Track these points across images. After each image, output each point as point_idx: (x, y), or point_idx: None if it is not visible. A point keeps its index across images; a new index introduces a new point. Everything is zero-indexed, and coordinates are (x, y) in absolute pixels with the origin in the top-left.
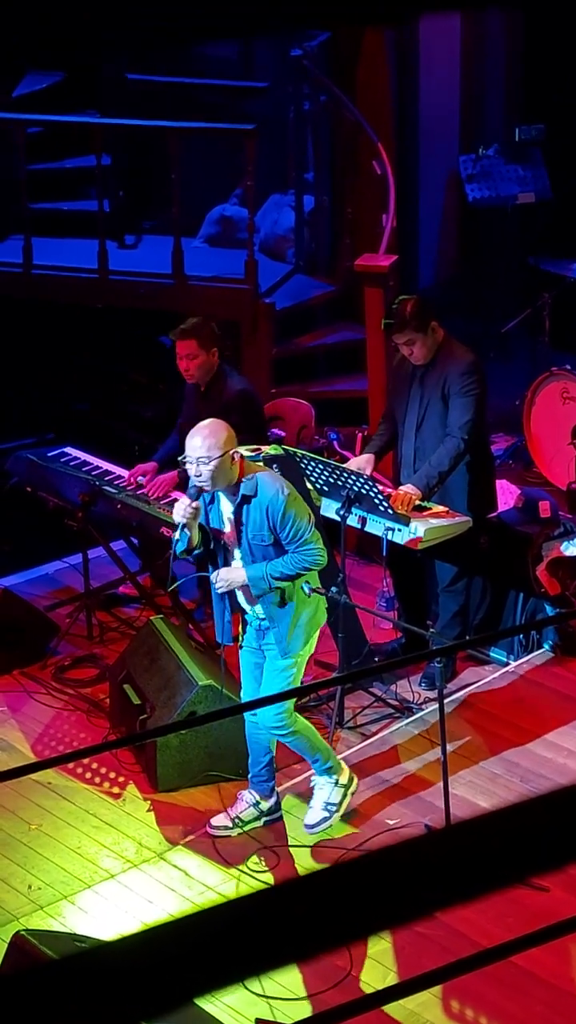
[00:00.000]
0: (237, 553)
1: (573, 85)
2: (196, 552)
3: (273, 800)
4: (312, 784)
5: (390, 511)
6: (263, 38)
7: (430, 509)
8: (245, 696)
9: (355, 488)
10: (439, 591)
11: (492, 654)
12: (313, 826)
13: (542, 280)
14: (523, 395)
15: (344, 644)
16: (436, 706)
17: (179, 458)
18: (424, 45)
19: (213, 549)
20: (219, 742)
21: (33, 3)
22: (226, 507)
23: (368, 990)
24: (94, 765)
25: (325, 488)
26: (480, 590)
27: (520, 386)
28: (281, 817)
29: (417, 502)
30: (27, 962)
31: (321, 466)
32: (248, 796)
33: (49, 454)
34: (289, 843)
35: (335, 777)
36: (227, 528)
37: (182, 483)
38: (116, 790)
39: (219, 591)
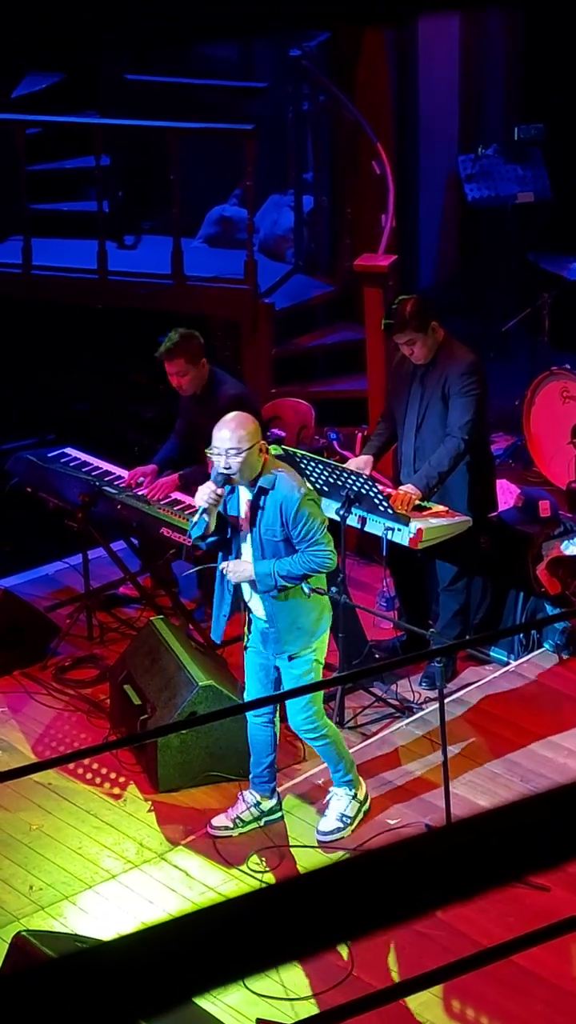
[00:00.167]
0: (247, 547)
1: (573, 85)
2: (210, 539)
3: (274, 800)
4: (329, 794)
5: (390, 511)
6: (263, 38)
7: (430, 509)
8: (248, 697)
9: (355, 488)
10: (440, 591)
11: (492, 654)
12: (327, 834)
13: (542, 280)
14: (523, 395)
15: (344, 644)
16: (436, 706)
17: (207, 449)
18: (424, 45)
19: (228, 538)
20: (220, 742)
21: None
22: (244, 496)
23: (369, 989)
24: (95, 766)
25: (325, 488)
26: (480, 590)
27: (520, 386)
28: (282, 817)
29: (417, 502)
30: (28, 962)
31: (321, 466)
32: (248, 797)
33: (49, 455)
34: (290, 843)
35: (353, 791)
36: (242, 514)
37: (183, 486)
38: (117, 791)
39: (229, 581)
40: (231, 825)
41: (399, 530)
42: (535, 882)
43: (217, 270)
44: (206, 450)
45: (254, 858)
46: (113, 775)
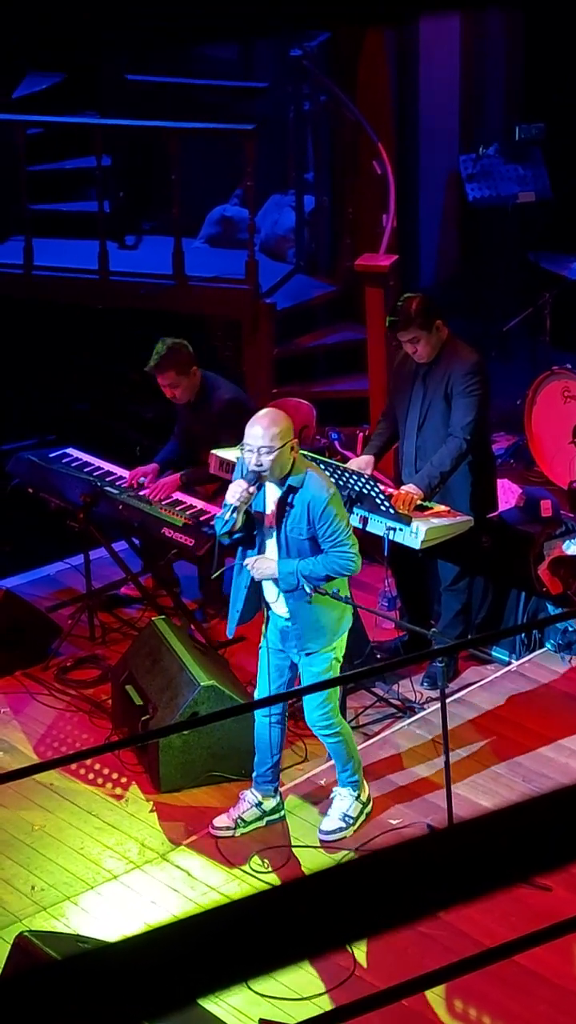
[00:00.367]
0: (271, 544)
1: (573, 84)
2: (236, 536)
3: (276, 800)
4: (333, 794)
5: (392, 511)
6: (263, 38)
7: (432, 509)
8: (259, 695)
9: (356, 488)
10: (441, 590)
11: (494, 653)
12: (329, 833)
13: (542, 279)
14: (524, 394)
15: (346, 644)
16: (438, 706)
17: (238, 446)
18: (424, 45)
19: (254, 534)
20: (222, 742)
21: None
22: (271, 494)
23: (372, 990)
24: (97, 766)
25: None
26: (482, 589)
27: (521, 385)
28: (284, 817)
29: (419, 502)
30: (30, 963)
31: (322, 466)
32: (250, 796)
33: (50, 455)
34: (292, 844)
35: (357, 792)
36: (269, 511)
37: (184, 486)
38: (119, 791)
39: (245, 576)
40: (233, 825)
41: (401, 530)
42: (538, 882)
43: (218, 270)
44: (238, 446)
45: (256, 858)
46: (115, 775)
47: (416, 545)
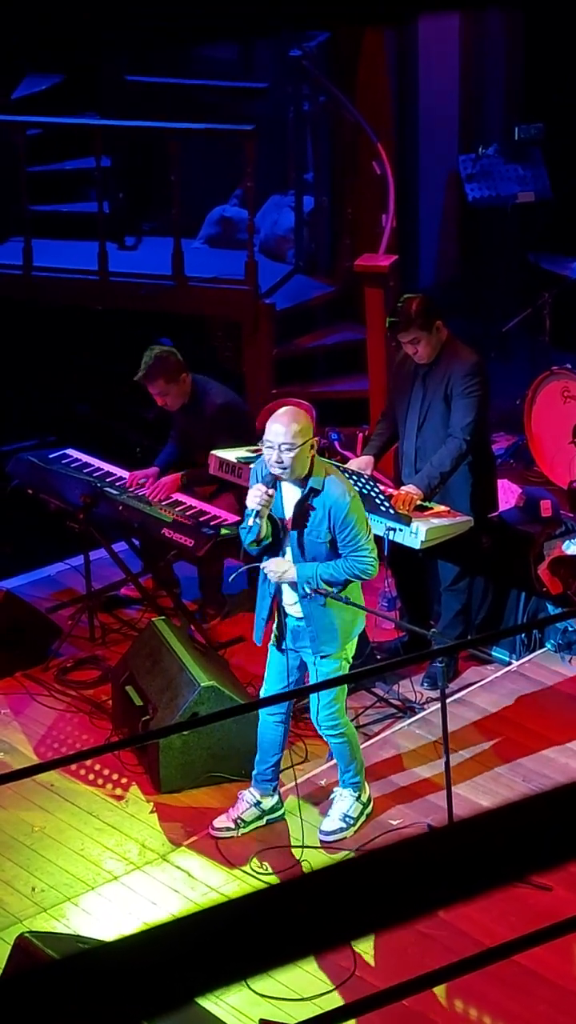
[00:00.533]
0: (288, 547)
1: (573, 85)
2: (264, 543)
3: (275, 799)
4: (333, 794)
5: (391, 511)
6: (263, 39)
7: (431, 509)
8: (265, 694)
9: (356, 488)
10: (441, 590)
11: (494, 653)
12: (329, 834)
13: (542, 279)
14: (524, 394)
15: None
16: (438, 706)
17: (259, 442)
18: (423, 45)
19: (281, 539)
20: (222, 743)
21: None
22: (289, 497)
23: (371, 990)
24: (97, 767)
25: None
26: (482, 589)
27: (521, 385)
28: (283, 816)
29: (419, 502)
30: (31, 964)
31: None
32: (249, 796)
33: (50, 456)
34: (292, 844)
35: (358, 793)
36: (287, 515)
37: (184, 487)
38: (119, 792)
39: (270, 580)
40: (232, 826)
41: (401, 530)
42: (537, 882)
43: (218, 271)
44: (259, 442)
45: (256, 859)
46: (115, 776)
47: (416, 545)
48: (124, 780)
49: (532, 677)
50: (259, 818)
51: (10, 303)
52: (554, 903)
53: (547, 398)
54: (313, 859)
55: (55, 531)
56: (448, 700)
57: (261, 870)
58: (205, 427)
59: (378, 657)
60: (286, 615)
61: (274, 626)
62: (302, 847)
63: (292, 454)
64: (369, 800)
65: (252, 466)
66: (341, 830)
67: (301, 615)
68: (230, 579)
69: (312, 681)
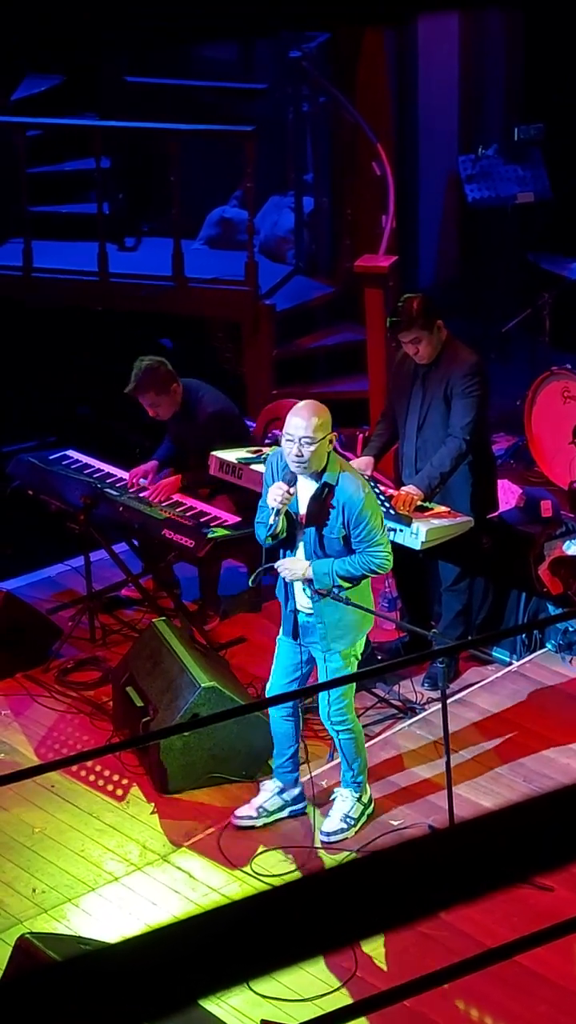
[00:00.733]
0: (301, 542)
1: (573, 85)
2: (280, 537)
3: (297, 790)
4: (334, 795)
5: (392, 512)
6: (262, 39)
7: (432, 509)
8: (271, 690)
9: None
10: (442, 591)
11: (495, 654)
12: (330, 835)
13: (542, 280)
14: (524, 395)
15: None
16: (439, 706)
17: (280, 433)
18: (423, 45)
19: (295, 535)
20: (222, 744)
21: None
22: (303, 492)
23: (373, 990)
24: (97, 768)
25: None
26: (482, 590)
27: (521, 386)
28: (305, 808)
29: (419, 502)
30: (32, 965)
31: None
32: (271, 785)
33: (50, 457)
34: (293, 845)
35: (359, 794)
36: (302, 511)
37: (184, 488)
38: (120, 793)
39: (286, 578)
40: (255, 815)
41: (401, 531)
42: (539, 883)
43: (218, 272)
44: (279, 434)
45: (257, 859)
46: (116, 777)
47: (416, 546)
48: (125, 781)
49: (533, 677)
50: (282, 808)
51: (10, 303)
52: (555, 904)
53: (547, 398)
54: (314, 860)
55: (55, 532)
56: (449, 700)
57: (262, 871)
58: (198, 435)
59: (379, 658)
60: (298, 611)
61: (283, 621)
62: (303, 848)
63: (312, 448)
64: (370, 801)
65: (267, 456)
66: (342, 831)
67: (312, 611)
68: (250, 581)
69: (321, 676)
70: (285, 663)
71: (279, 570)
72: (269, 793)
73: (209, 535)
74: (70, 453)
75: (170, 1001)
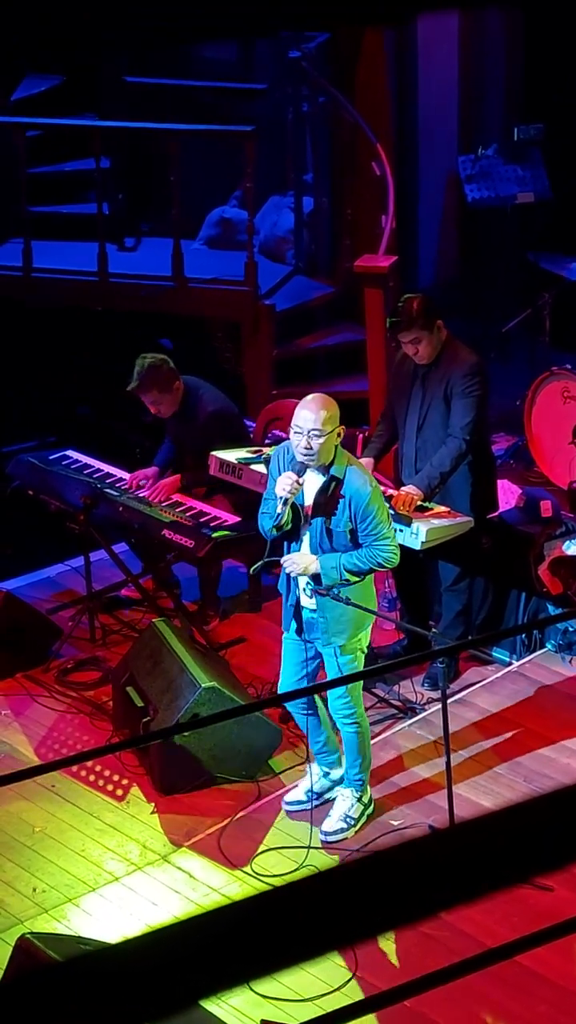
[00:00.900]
0: (306, 535)
1: (572, 85)
2: (284, 529)
3: (342, 770)
4: (334, 795)
5: (392, 512)
6: (262, 39)
7: (432, 509)
8: (282, 687)
9: None
10: (442, 591)
11: (495, 654)
12: (330, 834)
13: (542, 280)
14: (524, 395)
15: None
16: (439, 706)
17: (280, 433)
18: (423, 45)
19: (297, 526)
20: (223, 744)
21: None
22: (309, 484)
23: (373, 990)
24: (98, 768)
25: None
26: (482, 590)
27: (520, 386)
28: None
29: (419, 503)
30: (32, 965)
31: None
32: (317, 768)
33: (50, 457)
34: (293, 845)
35: (360, 793)
36: (307, 503)
37: (184, 488)
38: (120, 792)
39: (289, 573)
40: (304, 798)
41: (401, 531)
42: (539, 882)
43: (217, 272)
44: (290, 426)
45: (258, 859)
46: (116, 777)
47: (416, 546)
48: (125, 781)
49: (533, 677)
50: (330, 789)
51: (10, 304)
52: (555, 904)
53: (547, 398)
54: (314, 860)
55: (55, 532)
56: (449, 701)
57: (262, 871)
58: (197, 434)
59: (379, 662)
60: (302, 607)
61: (291, 617)
62: (303, 848)
63: (320, 440)
64: (370, 801)
65: (272, 451)
66: (342, 830)
67: (314, 606)
68: (252, 570)
69: (328, 671)
70: (292, 660)
71: (284, 564)
72: (317, 776)
73: (209, 535)
74: (70, 453)
75: (170, 1001)
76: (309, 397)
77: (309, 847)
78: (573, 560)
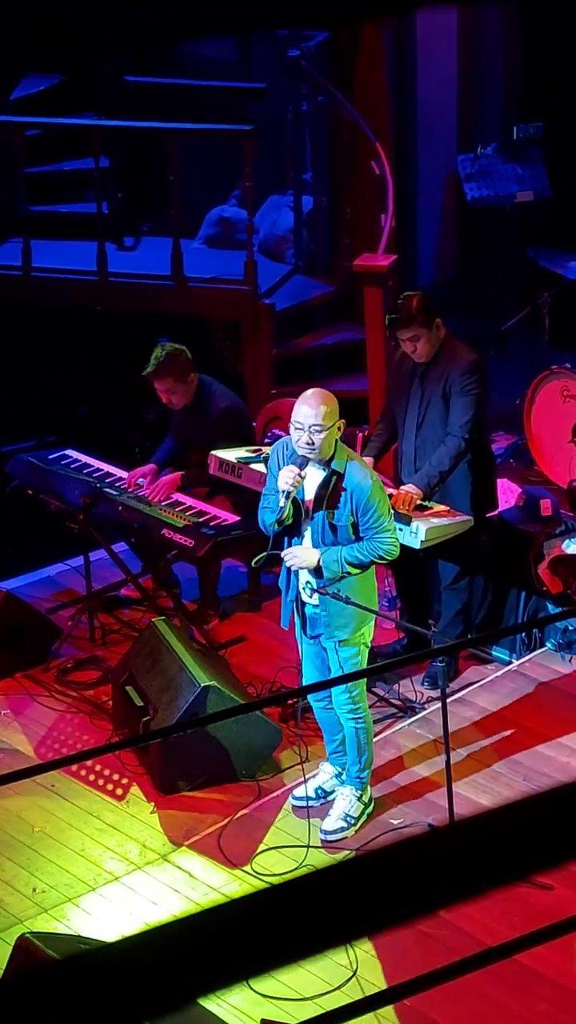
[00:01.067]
0: (307, 530)
1: (572, 83)
2: (286, 524)
3: None
4: (334, 794)
5: (392, 511)
6: (261, 39)
7: (431, 508)
8: (306, 682)
9: None
10: (441, 590)
11: (494, 653)
12: (330, 833)
13: (541, 278)
14: (523, 394)
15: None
16: (439, 705)
17: (280, 432)
18: (421, 43)
19: (298, 521)
20: (223, 743)
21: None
22: (310, 479)
23: (373, 989)
24: (97, 767)
25: None
26: (482, 589)
27: (520, 385)
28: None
29: (418, 501)
30: (32, 964)
31: None
32: (328, 767)
33: (50, 456)
34: (293, 844)
35: (360, 792)
36: (309, 497)
37: (183, 486)
38: (120, 792)
39: (290, 567)
40: (313, 796)
41: (400, 530)
42: (538, 881)
43: (217, 271)
44: (291, 423)
45: (257, 858)
46: (116, 776)
47: (416, 545)
48: (125, 780)
49: (532, 676)
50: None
51: (10, 303)
52: (555, 902)
53: (546, 397)
54: (314, 859)
55: (55, 532)
56: (448, 699)
57: (262, 870)
58: (207, 429)
59: (378, 660)
60: (304, 603)
61: (296, 615)
62: (303, 847)
63: (322, 436)
64: (370, 800)
65: (272, 447)
66: (342, 829)
67: (316, 601)
68: (253, 563)
69: (332, 665)
70: (310, 655)
71: (285, 557)
72: (327, 775)
73: (209, 535)
74: (69, 453)
75: (170, 1000)
76: (308, 392)
77: (308, 846)
78: (573, 559)
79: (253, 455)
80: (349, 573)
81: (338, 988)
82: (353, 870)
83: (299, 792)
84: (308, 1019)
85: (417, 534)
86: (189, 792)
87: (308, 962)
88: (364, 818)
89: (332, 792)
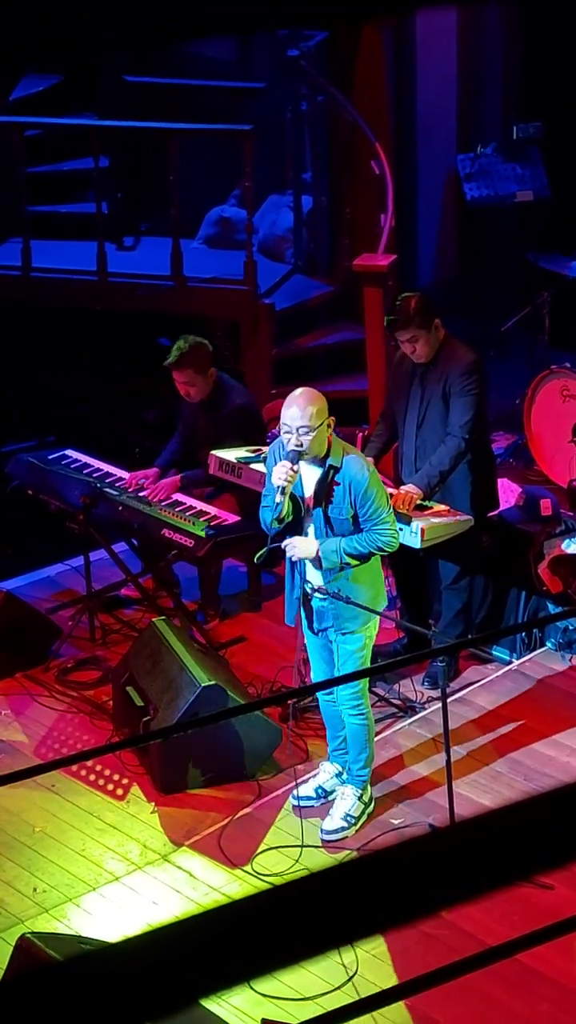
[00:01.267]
0: (310, 525)
1: (571, 83)
2: (286, 521)
3: None
4: (335, 794)
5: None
6: (261, 39)
7: (432, 508)
8: (315, 678)
9: None
10: (442, 589)
11: (495, 652)
12: (331, 833)
13: (541, 278)
14: (523, 393)
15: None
16: (439, 705)
17: (279, 425)
18: (421, 43)
19: (301, 519)
20: (222, 743)
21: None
22: (308, 476)
23: (374, 989)
24: (98, 767)
25: None
26: (482, 588)
27: (520, 384)
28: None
29: (418, 501)
30: (33, 964)
31: None
32: (329, 767)
33: (50, 457)
34: (293, 844)
35: (360, 792)
36: (307, 494)
37: (184, 488)
38: (120, 792)
39: (291, 558)
40: (314, 795)
41: (401, 529)
42: (539, 881)
43: (216, 271)
44: (281, 424)
45: (258, 859)
46: (116, 777)
47: (416, 545)
48: (125, 780)
49: (532, 676)
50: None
51: (10, 303)
52: (556, 902)
53: (546, 397)
54: (315, 859)
55: (55, 532)
56: (449, 699)
57: (263, 870)
58: (219, 425)
59: (378, 660)
60: (311, 597)
61: (301, 610)
62: (304, 847)
63: (311, 436)
64: (371, 800)
65: (266, 449)
66: (343, 829)
67: (322, 595)
68: (256, 558)
69: (336, 658)
70: (317, 650)
71: (287, 548)
72: (328, 775)
73: (209, 535)
74: (69, 453)
75: (171, 1000)
76: (296, 393)
77: (305, 845)
78: (573, 558)
79: (253, 455)
80: (349, 564)
81: (338, 988)
82: (354, 870)
83: (300, 792)
84: (308, 1019)
85: (417, 534)
86: (195, 791)
87: (309, 962)
88: (365, 818)
89: (332, 792)
